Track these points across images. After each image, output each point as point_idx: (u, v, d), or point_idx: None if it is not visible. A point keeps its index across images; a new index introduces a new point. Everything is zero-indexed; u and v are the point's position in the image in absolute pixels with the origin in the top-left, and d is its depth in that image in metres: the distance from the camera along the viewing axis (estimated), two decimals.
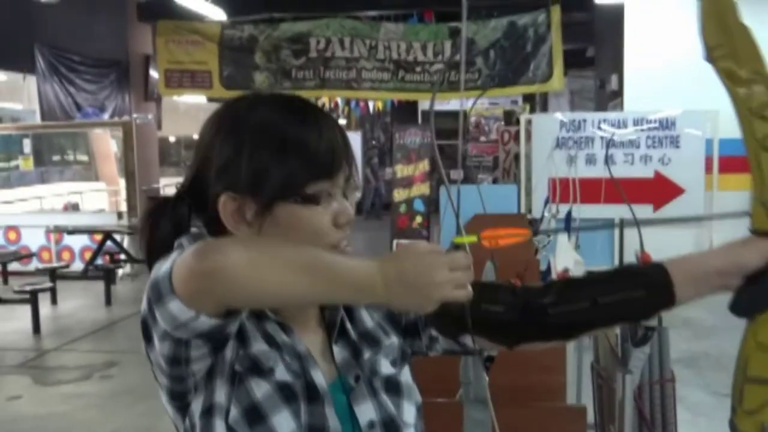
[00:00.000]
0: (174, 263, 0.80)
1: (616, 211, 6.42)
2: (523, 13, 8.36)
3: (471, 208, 7.56)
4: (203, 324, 0.80)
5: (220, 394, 0.88)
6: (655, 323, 2.40)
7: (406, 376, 1.02)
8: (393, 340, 1.02)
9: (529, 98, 14.23)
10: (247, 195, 0.91)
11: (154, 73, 10.44)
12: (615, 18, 7.68)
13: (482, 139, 14.38)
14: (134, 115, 11.75)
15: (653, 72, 6.93)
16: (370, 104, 14.95)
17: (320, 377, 0.93)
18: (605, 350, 2.69)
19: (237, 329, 0.89)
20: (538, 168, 7.20)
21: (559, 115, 7.59)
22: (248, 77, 8.82)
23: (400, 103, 13.68)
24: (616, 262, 6.68)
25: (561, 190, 6.23)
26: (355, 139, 17.14)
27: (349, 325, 1.00)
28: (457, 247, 0.91)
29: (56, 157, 15.63)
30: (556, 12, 8.16)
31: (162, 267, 0.82)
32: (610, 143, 6.85)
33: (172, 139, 30.60)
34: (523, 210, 7.07)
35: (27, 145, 9.88)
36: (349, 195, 0.95)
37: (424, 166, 8.78)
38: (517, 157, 8.33)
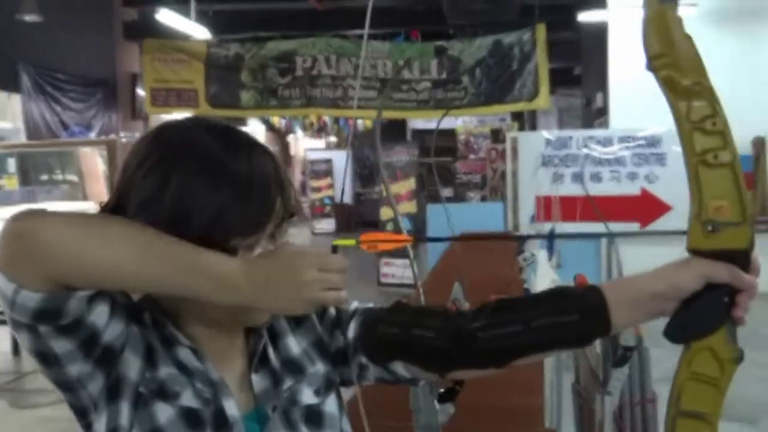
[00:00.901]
0: None
1: (602, 229, 6.38)
2: (508, 32, 8.39)
3: (459, 225, 7.53)
4: (28, 299, 0.75)
5: (124, 417, 0.84)
6: (634, 343, 2.36)
7: (330, 406, 0.97)
8: (318, 367, 0.98)
9: (517, 116, 14.27)
10: (169, 231, 0.83)
11: (141, 92, 10.40)
12: (600, 36, 7.72)
13: (471, 156, 14.40)
14: (121, 134, 11.70)
15: (638, 89, 6.90)
16: (359, 122, 14.97)
17: (232, 406, 0.88)
18: (585, 370, 2.64)
19: (146, 350, 0.85)
20: (524, 186, 7.18)
21: (544, 133, 7.59)
22: (234, 95, 8.80)
23: (389, 121, 13.69)
24: (603, 279, 6.65)
25: (547, 207, 6.21)
26: (342, 157, 17.20)
27: (271, 353, 0.95)
28: (335, 249, 0.88)
29: (44, 177, 15.57)
30: (541, 31, 8.19)
31: None
32: (585, 161, 6.85)
33: None
34: (509, 228, 7.04)
35: (11, 164, 9.80)
36: (279, 236, 0.90)
37: (410, 184, 8.75)
38: (504, 175, 8.32)
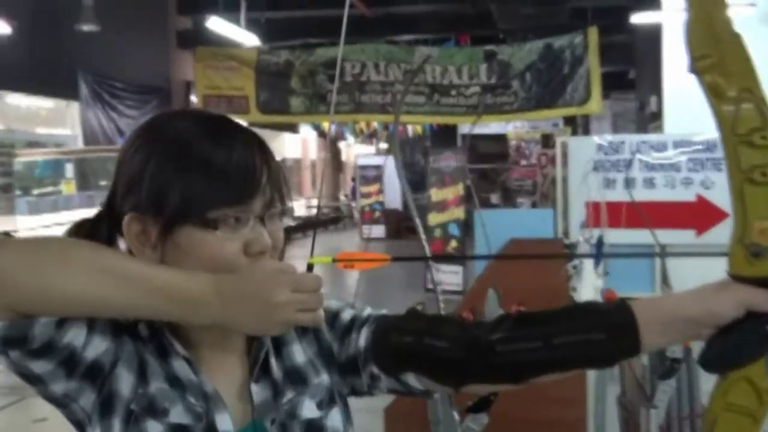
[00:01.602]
0: None
1: (651, 236, 6.21)
2: (559, 36, 8.27)
3: (507, 232, 7.42)
4: None
5: None
6: (682, 355, 2.27)
7: (334, 420, 0.93)
8: (322, 379, 0.94)
9: (570, 121, 14.07)
10: (149, 215, 0.85)
11: (195, 99, 10.60)
12: (654, 38, 7.53)
13: (522, 162, 14.26)
14: None
15: (693, 92, 6.66)
16: (409, 128, 14.97)
17: (225, 420, 0.86)
18: (631, 382, 2.55)
19: (139, 365, 0.84)
20: (574, 191, 7.04)
21: (596, 138, 7.44)
22: (284, 102, 8.89)
23: (438, 126, 13.65)
24: (658, 290, 6.46)
25: (595, 214, 6.07)
26: (392, 162, 17.16)
27: (274, 362, 0.92)
28: (310, 268, 0.85)
29: (103, 182, 16.01)
30: (593, 34, 8.04)
31: None
32: (630, 165, 6.68)
33: None
34: (559, 234, 6.91)
35: (69, 169, 10.08)
36: (269, 221, 0.87)
37: (458, 190, 8.69)
38: (554, 180, 8.19)
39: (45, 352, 0.79)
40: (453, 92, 8.63)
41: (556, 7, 8.14)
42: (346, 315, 0.97)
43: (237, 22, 8.70)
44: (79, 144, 9.77)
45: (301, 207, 22.47)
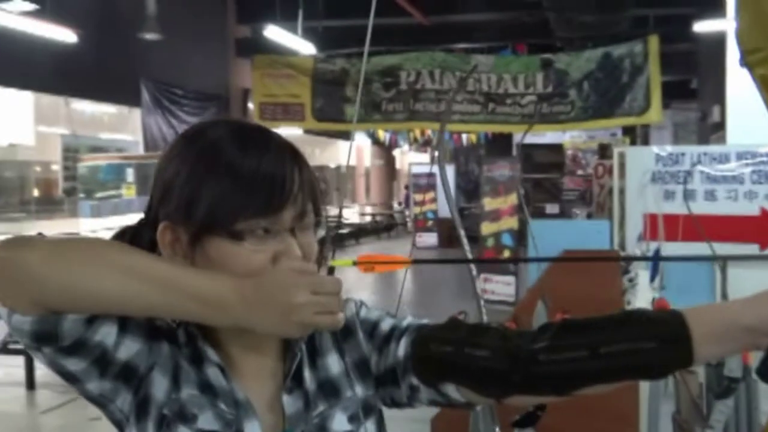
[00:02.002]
0: None
1: (718, 250, 6.03)
2: (618, 44, 8.12)
3: (561, 243, 7.31)
4: (21, 323, 0.78)
5: None
6: (740, 374, 2.19)
7: None
8: (357, 391, 0.93)
9: (629, 131, 13.80)
10: (179, 224, 0.85)
11: (252, 106, 10.78)
12: (717, 47, 7.33)
13: (579, 172, 14.03)
14: None
15: (758, 102, 6.53)
16: (464, 137, 14.91)
17: (255, 429, 0.86)
18: (686, 400, 2.48)
19: (173, 371, 0.86)
20: (631, 203, 6.89)
21: (654, 149, 7.27)
22: (339, 110, 8.95)
23: (494, 135, 13.56)
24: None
25: (653, 226, 5.92)
26: (448, 171, 17.12)
27: (307, 373, 0.91)
28: (331, 271, 0.85)
29: None
30: (653, 42, 7.87)
31: None
32: (690, 177, 6.49)
33: None
34: (615, 246, 6.77)
35: (130, 174, 10.36)
36: (300, 232, 0.87)
37: (512, 199, 8.60)
38: (611, 191, 8.03)
39: (76, 349, 0.81)
40: (508, 101, 8.55)
41: (615, 15, 8.00)
42: (385, 325, 0.95)
43: (294, 30, 8.81)
44: (140, 149, 10.04)
45: (354, 214, 22.59)
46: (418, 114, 8.83)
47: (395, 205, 21.67)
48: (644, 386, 2.33)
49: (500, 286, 8.11)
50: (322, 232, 0.92)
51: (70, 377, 0.83)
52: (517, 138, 15.58)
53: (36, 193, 18.71)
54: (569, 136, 14.27)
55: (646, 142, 14.26)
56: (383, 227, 18.35)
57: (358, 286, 10.58)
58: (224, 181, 0.83)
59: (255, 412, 0.87)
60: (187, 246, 0.85)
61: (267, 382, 0.90)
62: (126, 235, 0.91)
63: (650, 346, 0.78)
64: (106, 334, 0.82)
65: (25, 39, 7.14)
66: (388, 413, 0.97)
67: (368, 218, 21.42)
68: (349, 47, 9.46)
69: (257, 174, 0.83)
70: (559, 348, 0.81)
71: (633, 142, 13.30)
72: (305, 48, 8.99)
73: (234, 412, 0.86)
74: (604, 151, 10.13)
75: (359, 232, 15.13)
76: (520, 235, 8.53)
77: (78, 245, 0.81)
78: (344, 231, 16.87)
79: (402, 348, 0.91)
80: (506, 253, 8.54)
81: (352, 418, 0.91)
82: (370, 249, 17.01)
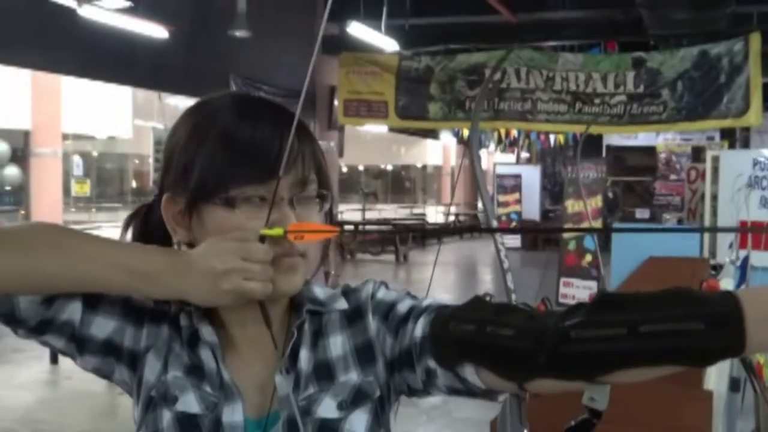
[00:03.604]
0: None
1: None
2: (716, 42, 7.74)
3: (648, 249, 7.04)
4: None
5: (138, 418, 0.87)
6: None
7: (356, 424, 0.86)
8: (350, 377, 0.88)
9: (728, 134, 13.17)
10: (179, 194, 0.86)
11: (337, 103, 10.88)
12: None
13: (672, 177, 13.52)
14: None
15: None
16: (551, 137, 14.61)
17: (235, 411, 0.84)
18: (767, 417, 2.31)
19: (166, 353, 0.86)
20: (724, 209, 6.56)
21: (752, 153, 6.90)
22: (422, 107, 8.92)
23: (583, 136, 13.20)
24: None
25: (745, 233, 5.61)
26: (531, 172, 16.82)
27: (304, 354, 0.87)
28: (262, 239, 0.80)
29: None
30: (755, 40, 7.46)
31: None
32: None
33: (360, 167, 31.97)
34: (705, 254, 6.46)
35: None
36: (300, 204, 0.85)
37: (596, 202, 8.34)
38: (703, 196, 7.67)
39: (45, 328, 0.84)
40: (596, 101, 8.30)
41: (714, 12, 7.61)
42: (403, 306, 0.89)
43: (380, 28, 8.84)
44: None
45: (438, 213, 22.52)
46: (503, 113, 8.70)
47: (479, 206, 21.47)
48: (718, 400, 2.18)
49: (581, 291, 7.88)
50: (326, 205, 0.90)
51: (62, 353, 0.88)
52: (608, 139, 15.14)
53: (133, 184, 19.57)
54: (662, 139, 13.74)
55: (746, 145, 13.57)
56: (466, 227, 18.20)
57: (436, 285, 10.54)
58: (217, 149, 0.83)
59: (238, 394, 0.85)
60: (184, 215, 0.85)
61: (265, 362, 0.88)
62: (140, 213, 0.93)
63: (697, 327, 0.68)
64: (71, 313, 0.85)
65: (122, 36, 7.44)
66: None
67: (452, 218, 21.31)
68: (434, 45, 9.40)
69: (251, 140, 0.82)
70: (593, 324, 0.72)
71: (732, 146, 12.67)
72: (390, 45, 9.02)
73: (218, 394, 0.85)
74: (697, 154, 9.71)
75: (440, 231, 15.05)
76: (607, 239, 8.26)
77: (16, 231, 0.83)
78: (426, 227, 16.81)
79: (419, 328, 0.84)
80: (588, 257, 8.29)
81: (342, 405, 0.86)
82: (452, 248, 16.92)
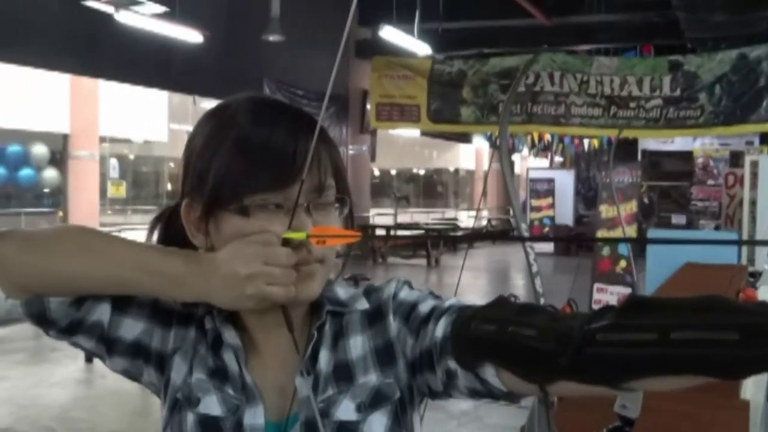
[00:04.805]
0: None
1: None
2: (755, 45, 7.61)
3: (684, 255, 6.93)
4: (16, 306, 0.84)
5: (164, 419, 0.88)
6: None
7: (375, 426, 0.85)
8: (370, 378, 0.87)
9: (767, 139, 12.92)
10: (196, 200, 0.85)
11: (369, 107, 10.92)
12: None
13: (709, 182, 13.29)
14: (349, 147, 12.32)
15: None
16: (585, 142, 14.48)
17: (257, 414, 0.84)
18: None
19: (192, 356, 0.87)
20: (764, 215, 6.43)
21: None
22: (455, 111, 8.89)
23: (618, 140, 13.04)
24: None
25: None
26: (565, 177, 16.64)
27: (324, 355, 0.87)
28: (286, 243, 0.80)
29: None
30: None
31: None
32: None
33: (393, 172, 31.98)
34: (743, 261, 6.34)
35: None
36: (317, 211, 0.84)
37: (631, 207, 8.22)
38: (741, 202, 7.53)
39: (76, 329, 0.86)
40: (632, 104, 8.19)
41: (753, 15, 7.48)
42: (425, 306, 0.88)
43: (413, 32, 8.85)
44: None
45: (470, 218, 22.42)
46: (536, 117, 8.62)
47: (511, 210, 21.36)
48: (755, 411, 2.14)
49: (614, 298, 7.77)
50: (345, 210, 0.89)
51: (93, 354, 0.90)
52: (644, 144, 14.94)
53: (168, 186, 19.82)
54: (700, 143, 13.52)
55: None
56: (498, 232, 18.10)
57: (467, 290, 10.50)
58: (232, 154, 0.82)
59: (260, 397, 0.86)
60: (202, 221, 0.85)
61: (286, 365, 0.88)
62: (163, 216, 0.94)
63: (732, 338, 0.64)
64: (100, 314, 0.86)
65: (158, 40, 7.55)
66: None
67: (484, 222, 21.21)
68: (467, 48, 9.38)
69: (266, 147, 0.82)
70: (621, 327, 0.68)
71: None
72: (423, 49, 9.02)
73: (240, 396, 0.85)
74: (736, 159, 9.53)
75: (473, 237, 14.99)
76: (640, 245, 8.15)
77: (47, 233, 0.85)
78: (458, 233, 16.77)
79: (440, 328, 0.83)
80: (622, 263, 8.18)
81: (360, 407, 0.86)
82: (484, 253, 16.83)
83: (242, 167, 0.81)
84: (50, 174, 13.81)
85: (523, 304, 0.79)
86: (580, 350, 0.69)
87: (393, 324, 0.89)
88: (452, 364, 0.81)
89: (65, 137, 13.36)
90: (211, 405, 0.85)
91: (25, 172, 13.59)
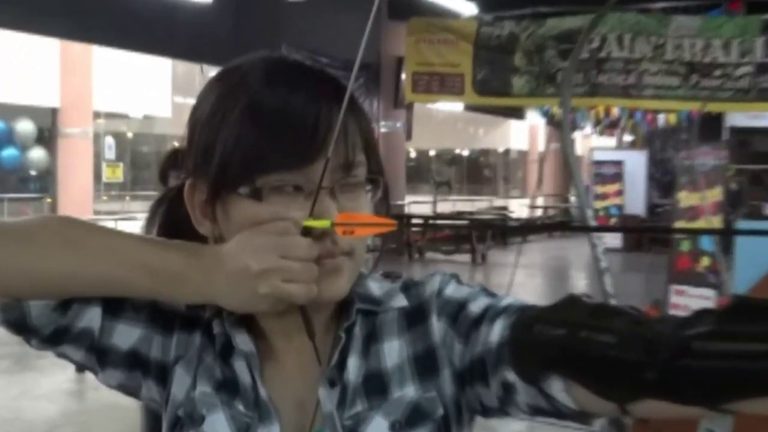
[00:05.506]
0: None
1: None
2: None
3: None
4: None
5: None
6: None
7: None
8: (407, 392, 0.84)
9: None
10: (200, 180, 0.83)
11: (404, 77, 10.89)
12: None
13: None
14: (381, 123, 12.30)
15: None
16: (660, 117, 14.27)
17: (271, 430, 0.83)
18: None
19: (196, 367, 0.87)
20: None
21: None
22: (505, 82, 8.82)
23: (700, 115, 12.85)
24: None
25: None
26: (636, 158, 16.44)
27: (353, 362, 0.84)
28: (307, 232, 0.76)
29: None
30: None
31: None
32: None
33: (432, 152, 31.96)
34: None
35: None
36: (343, 193, 0.81)
37: (716, 194, 8.08)
38: None
39: (61, 338, 0.85)
40: (717, 72, 8.07)
41: None
42: (476, 306, 0.84)
43: None
44: None
45: (523, 207, 22.32)
46: (602, 88, 8.54)
47: (572, 198, 21.18)
48: None
49: (696, 301, 7.65)
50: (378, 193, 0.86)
51: (83, 367, 0.89)
52: (731, 119, 14.71)
53: None
54: None
55: None
56: (556, 224, 17.99)
57: (520, 291, 10.45)
58: (242, 125, 0.79)
59: (275, 414, 0.84)
60: (208, 206, 0.83)
61: (308, 375, 0.86)
62: (165, 200, 0.93)
63: None
64: (90, 320, 0.85)
65: (160, 1, 7.59)
66: None
67: (539, 212, 21.10)
68: (520, 8, 9.28)
69: (282, 115, 0.78)
70: (724, 335, 0.64)
71: None
72: (468, 9, 8.96)
73: (252, 413, 0.84)
74: None
75: (525, 229, 14.93)
76: (727, 239, 8.00)
77: (24, 226, 0.83)
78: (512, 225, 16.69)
79: (496, 332, 0.79)
80: (705, 261, 8.05)
81: (394, 426, 0.83)
82: (539, 248, 16.75)
83: (254, 140, 0.78)
84: (37, 154, 14.02)
85: (598, 305, 0.74)
86: (672, 362, 0.65)
87: (437, 326, 0.86)
88: (511, 376, 0.77)
89: (54, 112, 13.57)
90: (218, 423, 0.83)
91: (9, 152, 13.81)
